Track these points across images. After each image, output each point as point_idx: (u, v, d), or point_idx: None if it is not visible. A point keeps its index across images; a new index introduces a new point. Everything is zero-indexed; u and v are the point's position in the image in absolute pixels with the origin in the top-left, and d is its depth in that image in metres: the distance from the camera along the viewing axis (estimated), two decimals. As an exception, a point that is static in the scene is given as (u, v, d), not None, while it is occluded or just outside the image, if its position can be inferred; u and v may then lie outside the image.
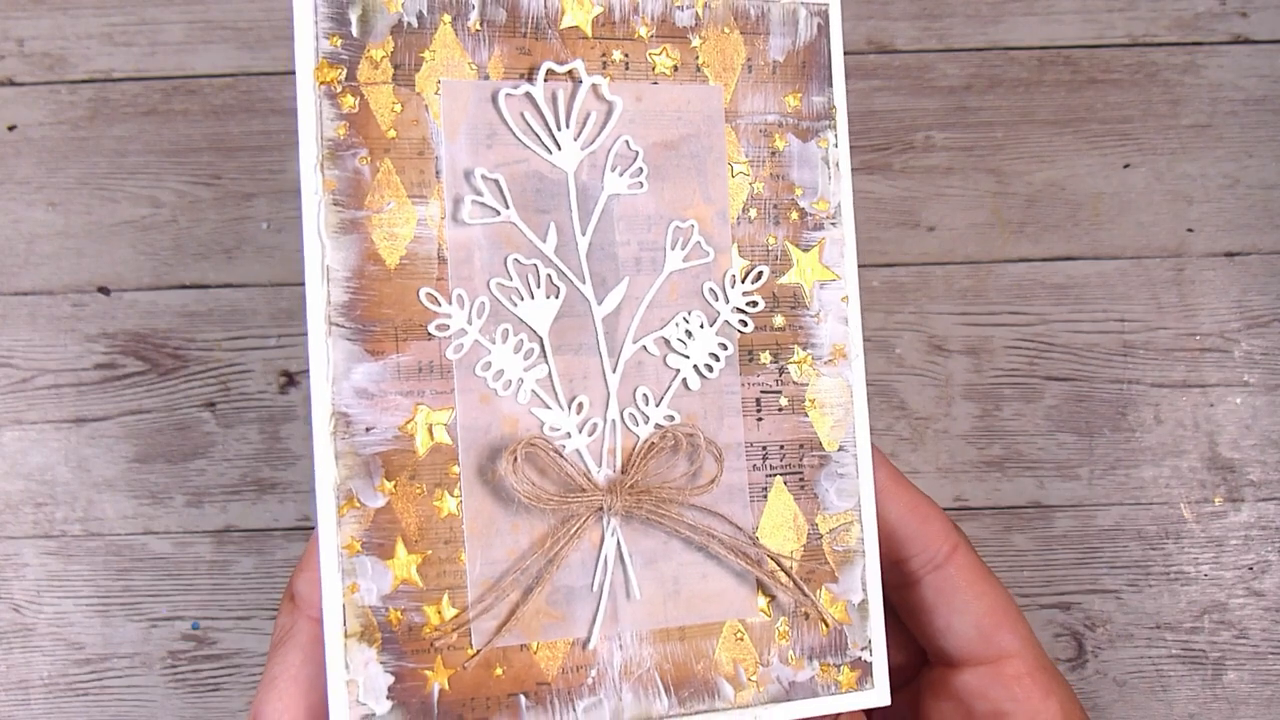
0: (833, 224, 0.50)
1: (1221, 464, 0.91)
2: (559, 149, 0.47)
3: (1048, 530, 0.91)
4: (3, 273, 0.90)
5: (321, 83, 0.44)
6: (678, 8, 0.48)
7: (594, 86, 0.47)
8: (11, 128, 0.91)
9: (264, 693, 0.46)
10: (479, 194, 0.46)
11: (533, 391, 0.46)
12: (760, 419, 0.49)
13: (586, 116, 0.47)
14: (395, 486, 0.44)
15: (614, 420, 0.47)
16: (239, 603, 0.89)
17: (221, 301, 0.90)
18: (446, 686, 0.44)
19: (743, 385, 0.49)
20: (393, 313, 0.44)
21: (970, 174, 0.92)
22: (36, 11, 0.92)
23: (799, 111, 0.50)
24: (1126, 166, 0.93)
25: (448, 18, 0.46)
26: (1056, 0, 0.93)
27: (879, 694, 0.50)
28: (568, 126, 0.47)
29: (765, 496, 0.49)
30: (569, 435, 0.47)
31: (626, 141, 0.48)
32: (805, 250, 0.50)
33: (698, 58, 0.49)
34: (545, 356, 0.46)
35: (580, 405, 0.47)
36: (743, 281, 0.49)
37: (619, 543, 0.47)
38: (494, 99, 0.46)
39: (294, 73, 0.44)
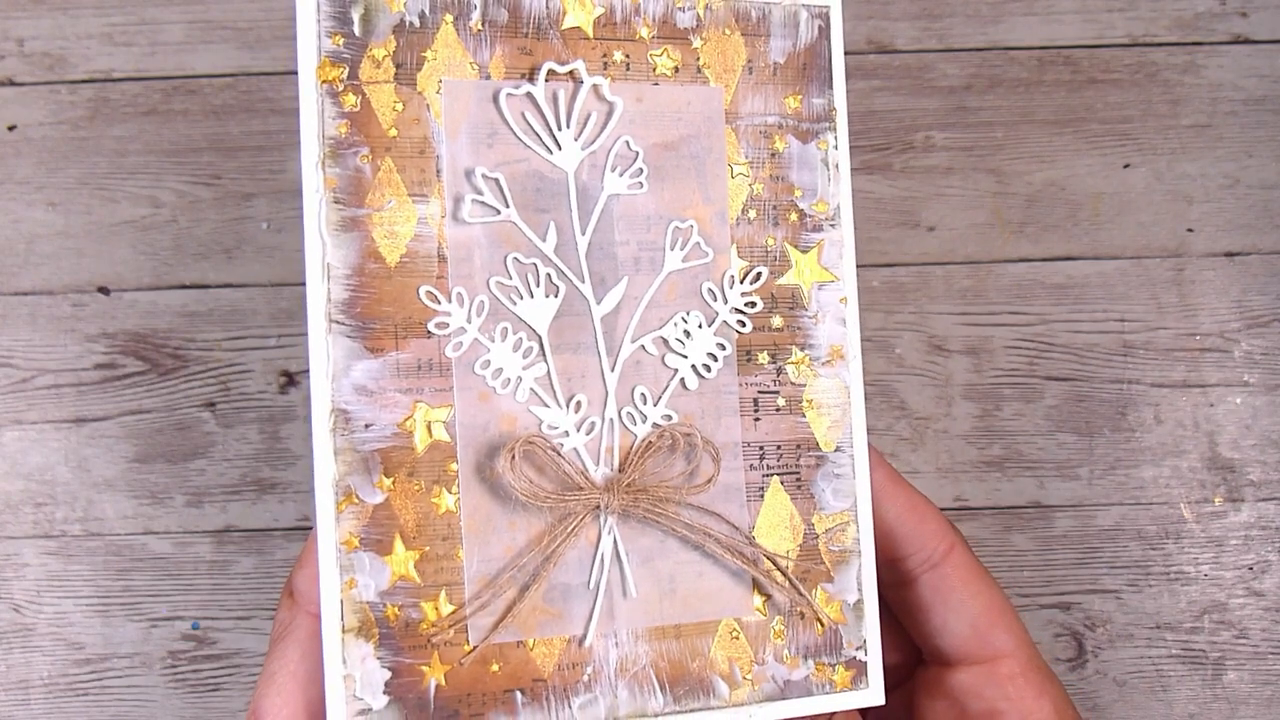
0: (832, 225, 0.50)
1: (1221, 464, 0.91)
2: (559, 149, 0.47)
3: (1048, 530, 0.91)
4: (3, 273, 0.90)
5: (323, 81, 0.44)
6: (679, 9, 0.48)
7: (595, 87, 0.47)
8: (11, 128, 0.91)
9: (263, 688, 0.46)
10: (479, 193, 0.46)
11: (531, 390, 0.46)
12: (758, 419, 0.49)
13: (587, 117, 0.47)
14: (394, 483, 0.44)
15: (612, 419, 0.47)
16: (239, 603, 0.89)
17: (221, 301, 0.90)
18: (443, 682, 0.44)
19: (740, 385, 0.49)
20: (392, 310, 0.45)
21: (970, 174, 0.93)
22: (36, 11, 0.92)
23: (799, 113, 0.50)
24: (1126, 166, 0.93)
25: (450, 17, 0.46)
26: (1056, 0, 0.94)
27: (873, 693, 0.50)
28: (568, 126, 0.47)
29: (762, 496, 0.49)
30: (567, 434, 0.47)
31: (627, 142, 0.48)
32: (804, 251, 0.50)
33: (699, 59, 0.49)
34: (544, 355, 0.46)
35: (578, 404, 0.47)
36: (741, 282, 0.49)
37: (615, 541, 0.47)
38: (495, 99, 0.46)
39: (294, 72, 0.45)
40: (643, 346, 0.48)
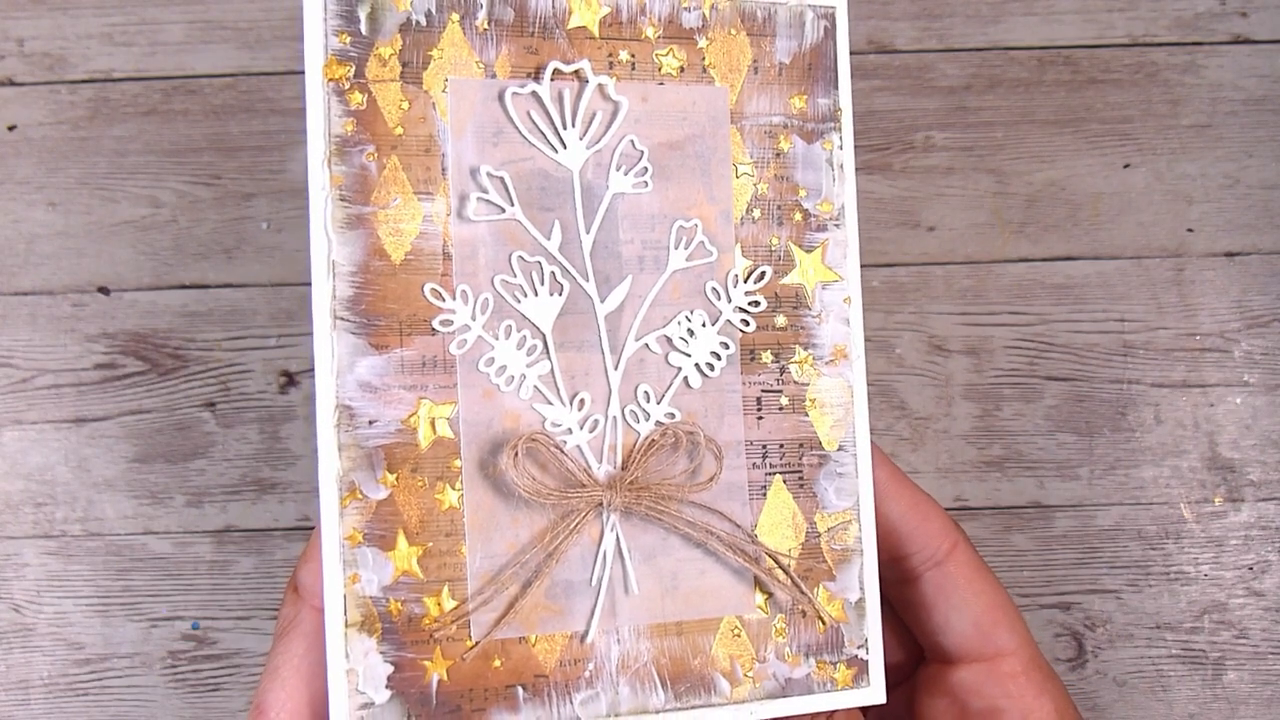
0: (836, 225, 0.51)
1: (1221, 464, 0.91)
2: (564, 148, 0.47)
3: (1048, 530, 0.91)
4: (3, 273, 0.90)
5: (330, 79, 0.44)
6: (685, 9, 0.48)
7: (600, 86, 0.47)
8: (11, 128, 0.91)
9: (267, 682, 0.46)
10: (484, 191, 0.46)
11: (535, 387, 0.46)
12: (761, 418, 0.49)
13: (592, 116, 0.47)
14: (397, 479, 0.44)
15: (615, 417, 0.47)
16: (239, 603, 0.89)
17: (221, 301, 0.90)
18: (445, 677, 0.45)
19: (744, 384, 0.49)
20: (397, 308, 0.45)
21: (970, 174, 0.93)
22: (36, 11, 0.92)
23: (804, 113, 0.50)
24: (1126, 166, 0.93)
25: (456, 16, 0.46)
26: (1056, 0, 0.94)
27: (875, 692, 0.50)
28: (574, 126, 0.47)
29: (764, 494, 0.49)
30: (570, 431, 0.47)
31: (632, 141, 0.48)
32: (808, 251, 0.50)
33: (704, 59, 0.49)
34: (548, 353, 0.47)
35: (582, 402, 0.47)
36: (745, 281, 0.49)
37: (618, 538, 0.47)
38: (501, 97, 0.46)
39: (295, 72, 0.45)
40: (646, 345, 0.48)
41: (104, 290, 0.90)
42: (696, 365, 0.48)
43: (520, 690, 0.45)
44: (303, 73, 0.45)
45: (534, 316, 0.46)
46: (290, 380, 0.90)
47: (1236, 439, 0.91)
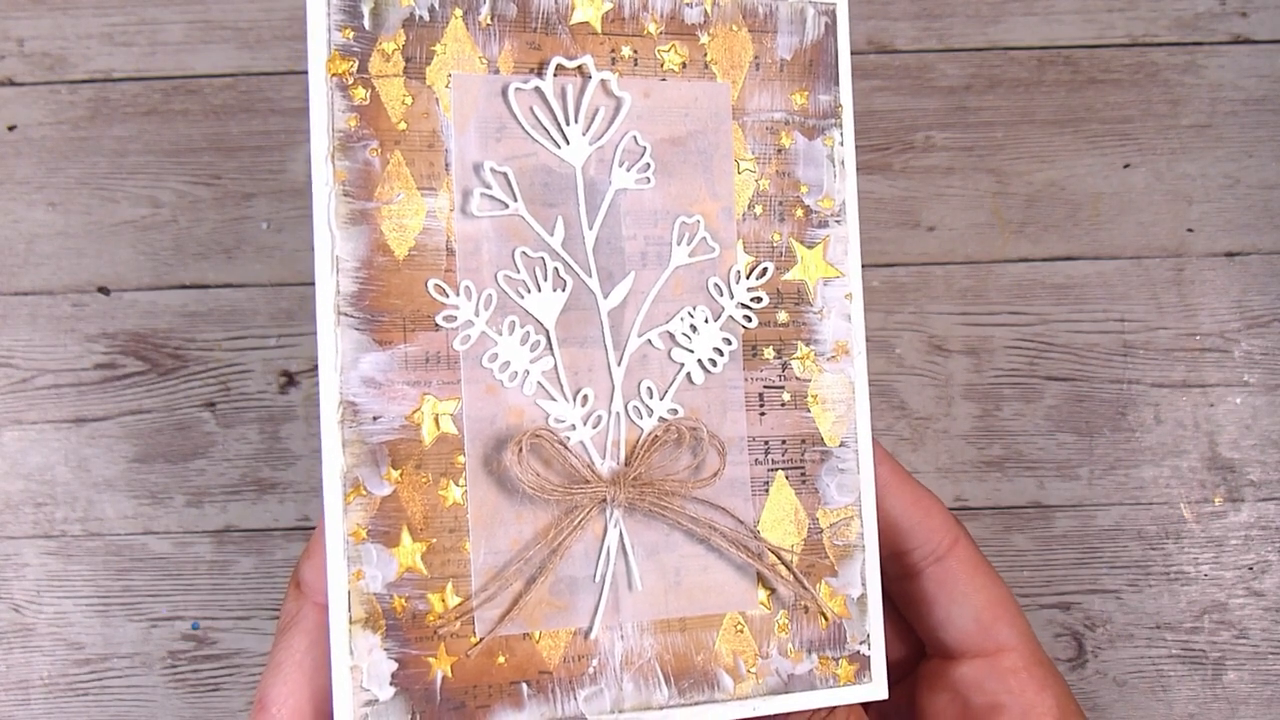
0: (837, 221, 0.51)
1: (1221, 464, 0.91)
2: (567, 143, 0.47)
3: (1048, 530, 0.91)
4: (3, 273, 0.90)
5: (333, 74, 0.44)
6: (687, 5, 0.49)
7: (603, 82, 0.47)
8: (11, 128, 0.91)
9: (269, 678, 0.46)
10: (488, 187, 0.46)
11: (538, 383, 0.46)
12: (763, 414, 0.49)
13: (595, 112, 0.47)
14: (401, 475, 0.44)
15: (618, 413, 0.47)
16: (239, 603, 0.89)
17: (221, 301, 0.90)
18: (449, 674, 0.45)
19: (746, 380, 0.49)
20: (401, 303, 0.45)
21: (970, 174, 0.93)
22: (36, 11, 0.92)
23: (805, 109, 0.50)
24: (1126, 166, 0.93)
25: (459, 12, 0.46)
26: (1056, 0, 0.94)
27: (877, 687, 0.50)
28: (576, 121, 0.47)
29: (767, 490, 0.49)
30: (573, 427, 0.47)
31: (634, 137, 0.48)
32: (810, 247, 0.50)
33: (706, 55, 0.49)
34: (551, 349, 0.46)
35: (585, 398, 0.47)
36: (747, 277, 0.49)
37: (621, 534, 0.47)
38: (504, 93, 0.46)
39: (295, 72, 0.45)
40: (649, 341, 0.48)
41: (104, 290, 0.90)
42: (699, 361, 0.48)
43: (524, 686, 0.45)
44: (304, 72, 0.45)
45: (537, 312, 0.46)
46: (290, 380, 0.90)
47: (1236, 439, 0.91)
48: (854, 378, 0.51)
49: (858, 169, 0.91)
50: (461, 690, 0.45)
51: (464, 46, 0.46)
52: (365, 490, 0.44)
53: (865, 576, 0.50)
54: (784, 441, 0.50)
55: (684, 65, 0.49)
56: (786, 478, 0.50)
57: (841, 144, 0.51)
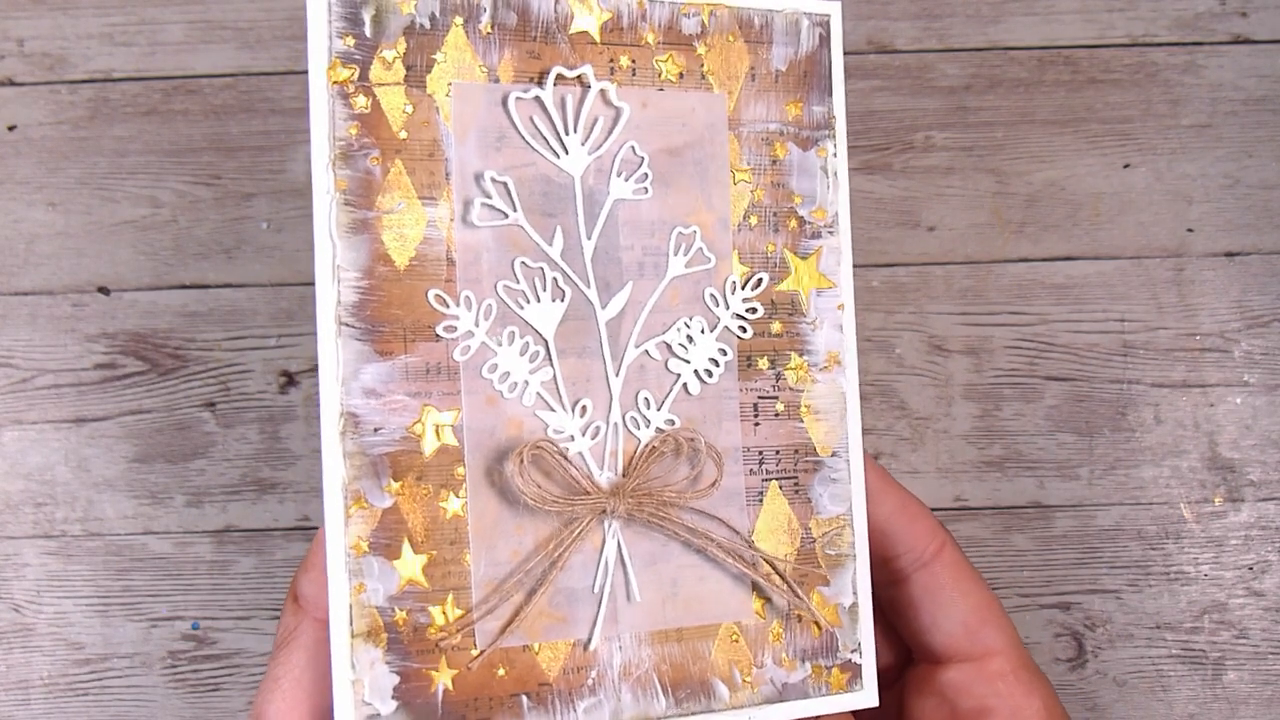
0: (830, 232, 0.51)
1: (1221, 464, 0.91)
2: (567, 153, 0.47)
3: (1048, 530, 0.91)
4: (3, 273, 0.90)
5: (334, 82, 0.44)
6: (684, 15, 0.49)
7: (602, 92, 0.47)
8: (11, 128, 0.91)
9: (267, 693, 0.46)
10: (488, 196, 0.46)
11: (538, 394, 0.46)
12: (757, 424, 0.50)
13: (594, 121, 0.47)
14: (402, 487, 0.44)
15: (616, 424, 0.48)
16: (239, 603, 0.89)
17: (221, 301, 0.90)
18: (451, 687, 0.45)
19: (741, 390, 0.49)
20: (401, 313, 0.45)
21: (970, 174, 0.93)
22: (36, 11, 0.92)
23: (799, 120, 0.50)
24: (1126, 166, 0.93)
25: (459, 20, 0.46)
26: (1056, 0, 0.94)
27: (868, 695, 0.51)
28: (576, 131, 0.47)
29: (761, 500, 0.50)
30: (572, 438, 0.47)
31: (632, 147, 0.48)
32: (803, 258, 0.50)
33: (702, 65, 0.49)
34: (550, 359, 0.47)
35: (583, 408, 0.47)
36: (743, 288, 0.49)
37: (620, 545, 0.47)
38: (504, 102, 0.46)
39: (295, 72, 0.45)
40: (646, 351, 0.48)
41: (104, 290, 0.90)
42: (695, 372, 0.49)
43: (525, 699, 0.46)
44: (304, 73, 0.45)
45: (536, 323, 0.46)
46: (290, 380, 0.90)
47: (1236, 439, 0.91)
48: (845, 388, 0.51)
49: (858, 169, 0.91)
50: (463, 703, 0.45)
51: (464, 55, 0.46)
52: (366, 502, 0.44)
53: (856, 585, 0.51)
54: (778, 452, 0.50)
55: (681, 75, 0.49)
56: (780, 488, 0.50)
57: (835, 155, 0.51)
